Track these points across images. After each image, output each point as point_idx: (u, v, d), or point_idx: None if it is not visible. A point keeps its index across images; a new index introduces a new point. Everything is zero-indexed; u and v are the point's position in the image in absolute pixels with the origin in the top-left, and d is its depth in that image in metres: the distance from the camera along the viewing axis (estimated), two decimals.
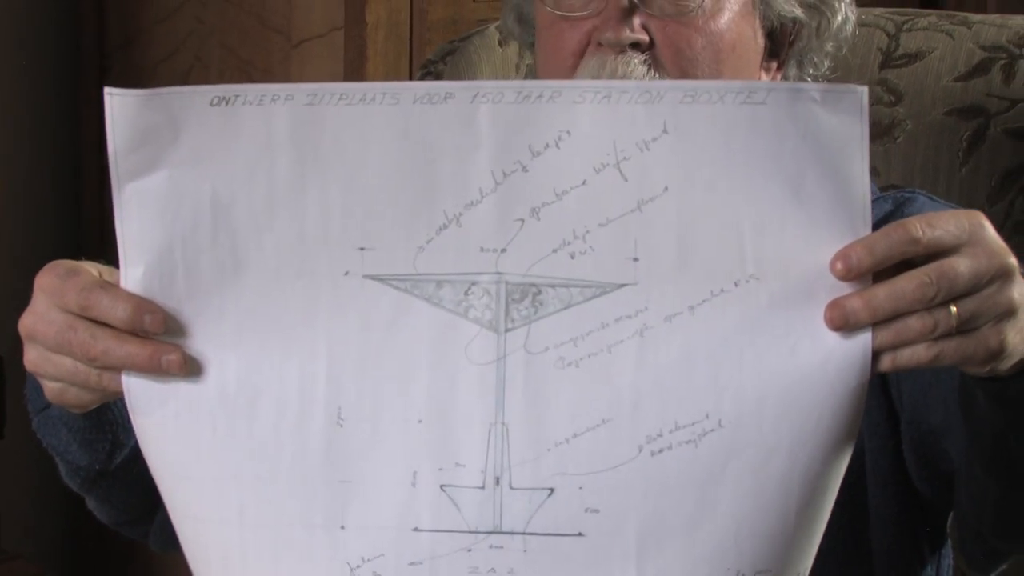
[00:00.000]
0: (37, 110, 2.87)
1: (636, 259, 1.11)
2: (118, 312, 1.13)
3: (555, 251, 1.11)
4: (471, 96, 1.12)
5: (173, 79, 2.76)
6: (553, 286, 1.12)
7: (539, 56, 1.51)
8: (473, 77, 1.83)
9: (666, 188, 1.10)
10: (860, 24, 1.70)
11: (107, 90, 1.13)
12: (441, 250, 1.12)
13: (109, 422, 1.34)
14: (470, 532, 1.13)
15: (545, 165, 1.11)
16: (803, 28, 1.52)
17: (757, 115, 1.09)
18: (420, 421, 1.13)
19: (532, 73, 1.56)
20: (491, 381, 1.12)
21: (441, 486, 1.13)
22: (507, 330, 1.12)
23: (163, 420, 1.15)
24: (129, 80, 2.78)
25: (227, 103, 1.13)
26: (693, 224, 1.10)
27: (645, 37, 1.43)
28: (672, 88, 1.11)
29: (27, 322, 1.17)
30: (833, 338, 1.09)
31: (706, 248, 1.10)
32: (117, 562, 2.91)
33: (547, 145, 1.11)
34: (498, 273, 1.12)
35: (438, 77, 1.85)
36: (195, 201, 1.14)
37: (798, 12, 1.50)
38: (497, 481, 1.12)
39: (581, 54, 1.45)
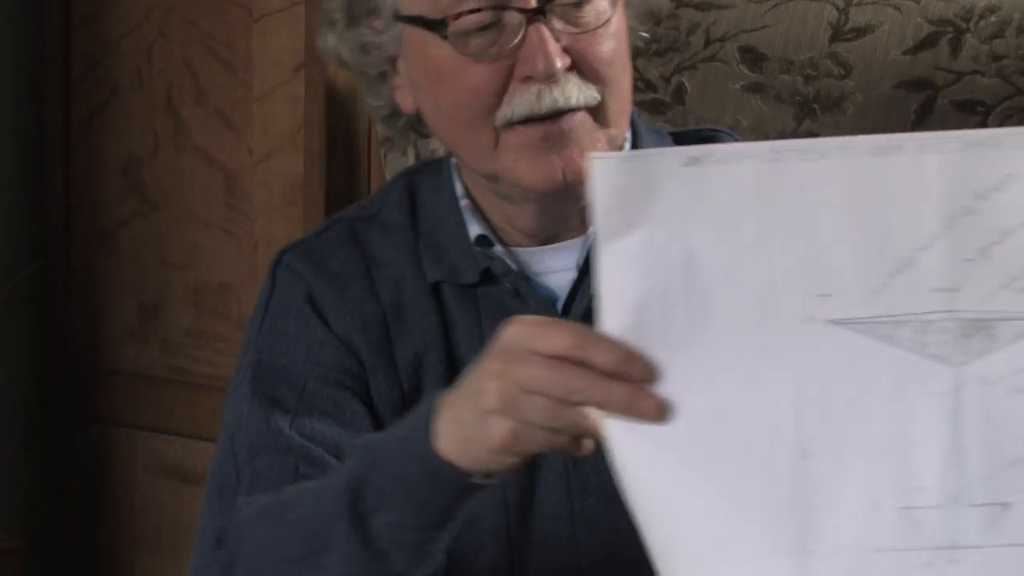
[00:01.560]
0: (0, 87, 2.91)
1: None
2: (608, 355, 1.21)
3: (1005, 287, 1.21)
4: (918, 147, 1.21)
5: (137, 54, 2.84)
6: (1005, 320, 1.21)
7: (443, 98, 1.49)
8: None
9: None
10: None
11: (591, 155, 1.22)
12: (896, 293, 1.22)
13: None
14: (930, 549, 1.23)
15: (991, 208, 1.21)
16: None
17: None
18: (881, 451, 1.23)
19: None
20: (947, 410, 1.22)
21: (901, 508, 1.23)
22: (962, 364, 1.22)
23: (637, 460, 1.25)
24: (92, 54, 2.86)
25: (698, 163, 1.22)
26: None
27: (568, 59, 1.45)
28: None
29: (495, 366, 1.25)
30: None
31: None
32: (81, 530, 2.98)
33: (991, 189, 1.21)
34: (951, 311, 1.22)
35: None
36: (670, 257, 1.22)
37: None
38: (956, 500, 1.22)
39: (503, 91, 1.46)
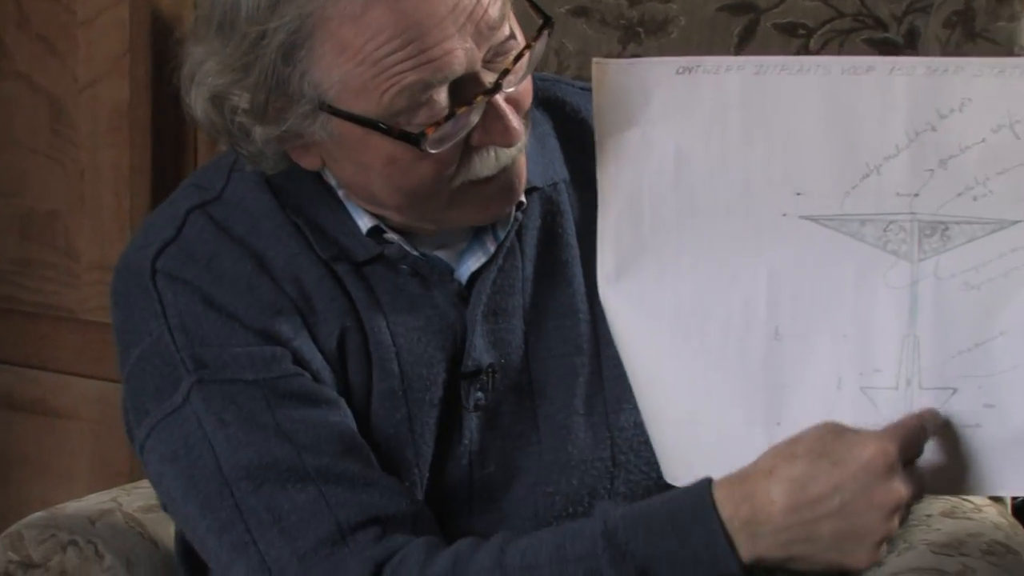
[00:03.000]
0: None
1: None
2: None
3: (960, 195, 1.36)
4: (889, 69, 1.36)
5: None
6: (959, 223, 1.37)
7: (395, 180, 1.43)
8: None
9: None
10: None
11: (595, 60, 1.35)
12: (864, 195, 1.37)
13: None
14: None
15: (951, 125, 1.36)
16: None
17: None
18: (845, 336, 1.38)
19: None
20: (905, 302, 1.37)
21: (862, 388, 1.38)
22: (920, 260, 1.37)
23: (630, 329, 1.42)
24: None
25: (690, 72, 1.34)
26: None
27: (519, 116, 1.42)
28: None
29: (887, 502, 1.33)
30: None
31: None
32: None
33: (952, 109, 1.36)
34: (912, 213, 1.37)
35: None
36: (661, 154, 1.39)
37: None
38: (908, 383, 1.37)
39: (461, 160, 1.42)
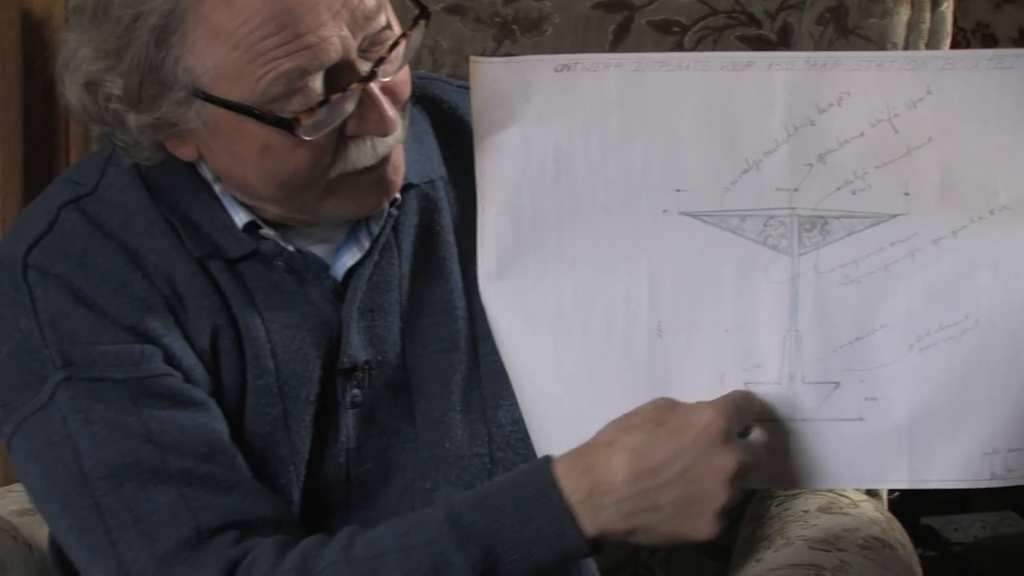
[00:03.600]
0: None
1: (907, 194, 1.36)
2: None
3: (839, 189, 1.36)
4: (767, 64, 1.36)
5: None
6: (838, 217, 1.37)
7: (270, 168, 1.41)
8: None
9: (930, 138, 1.35)
10: None
11: (472, 59, 1.32)
12: (743, 190, 1.36)
13: None
14: (770, 421, 1.38)
15: (829, 120, 1.36)
16: None
17: (1007, 78, 1.34)
18: (727, 331, 1.38)
19: None
20: (787, 296, 1.37)
21: (745, 383, 1.37)
22: (800, 254, 1.37)
23: (512, 331, 1.41)
24: None
25: (568, 70, 1.33)
26: (953, 166, 1.35)
27: (394, 107, 1.42)
28: (933, 57, 1.37)
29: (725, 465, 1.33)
30: None
31: (965, 185, 1.35)
32: None
33: (831, 104, 1.36)
34: (792, 208, 1.37)
35: None
36: (541, 152, 1.37)
37: None
38: (791, 377, 1.37)
39: (336, 150, 1.41)
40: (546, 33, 1.92)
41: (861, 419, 1.37)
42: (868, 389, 1.37)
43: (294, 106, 1.36)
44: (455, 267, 1.52)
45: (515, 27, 1.94)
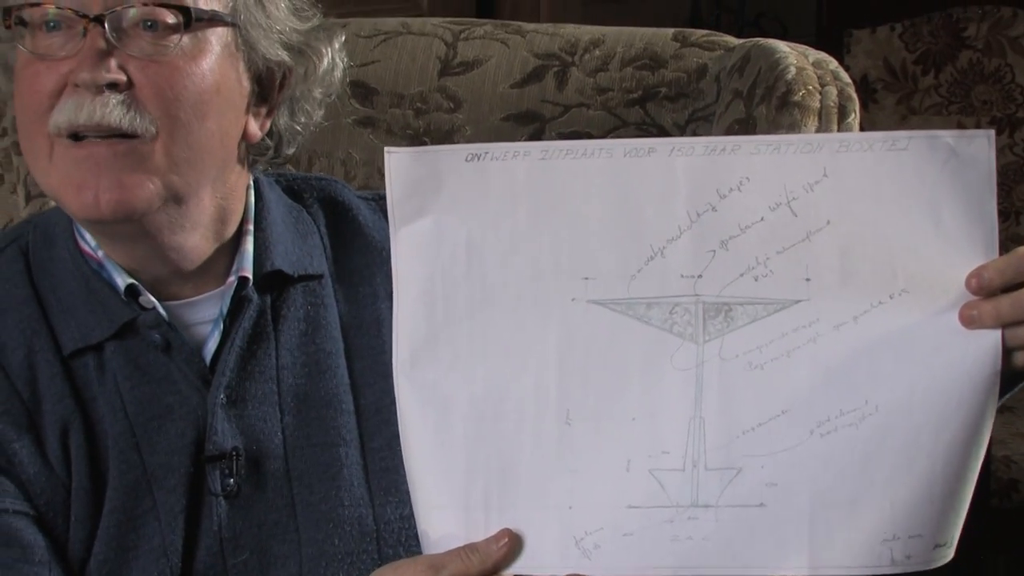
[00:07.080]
0: None
1: (808, 279, 1.38)
2: None
3: (742, 275, 1.38)
4: (669, 150, 1.38)
5: None
6: (742, 304, 1.38)
7: (17, 100, 1.46)
8: None
9: (828, 221, 1.38)
10: (420, 34, 1.86)
11: (387, 149, 1.33)
12: (649, 277, 1.38)
13: None
14: (673, 507, 1.39)
15: (730, 205, 1.38)
16: (291, 74, 1.54)
17: (901, 159, 1.37)
18: (633, 419, 1.38)
19: None
20: (692, 383, 1.38)
21: (650, 470, 1.38)
22: (705, 341, 1.39)
23: (424, 420, 1.39)
24: None
25: (478, 159, 1.34)
26: (852, 250, 1.37)
27: (122, 77, 1.42)
28: (829, 140, 1.40)
29: None
30: (968, 336, 1.36)
31: (865, 269, 1.37)
32: None
33: (731, 189, 1.38)
34: (696, 295, 1.38)
35: None
36: (453, 242, 1.38)
37: (283, 56, 1.52)
38: (695, 464, 1.38)
39: (58, 95, 1.42)
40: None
41: (762, 505, 1.38)
42: (769, 475, 1.38)
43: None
44: (341, 362, 1.55)
45: (427, 139, 1.96)
